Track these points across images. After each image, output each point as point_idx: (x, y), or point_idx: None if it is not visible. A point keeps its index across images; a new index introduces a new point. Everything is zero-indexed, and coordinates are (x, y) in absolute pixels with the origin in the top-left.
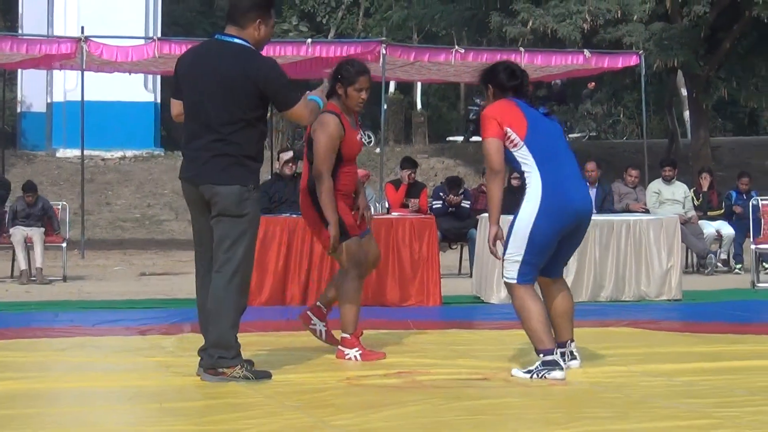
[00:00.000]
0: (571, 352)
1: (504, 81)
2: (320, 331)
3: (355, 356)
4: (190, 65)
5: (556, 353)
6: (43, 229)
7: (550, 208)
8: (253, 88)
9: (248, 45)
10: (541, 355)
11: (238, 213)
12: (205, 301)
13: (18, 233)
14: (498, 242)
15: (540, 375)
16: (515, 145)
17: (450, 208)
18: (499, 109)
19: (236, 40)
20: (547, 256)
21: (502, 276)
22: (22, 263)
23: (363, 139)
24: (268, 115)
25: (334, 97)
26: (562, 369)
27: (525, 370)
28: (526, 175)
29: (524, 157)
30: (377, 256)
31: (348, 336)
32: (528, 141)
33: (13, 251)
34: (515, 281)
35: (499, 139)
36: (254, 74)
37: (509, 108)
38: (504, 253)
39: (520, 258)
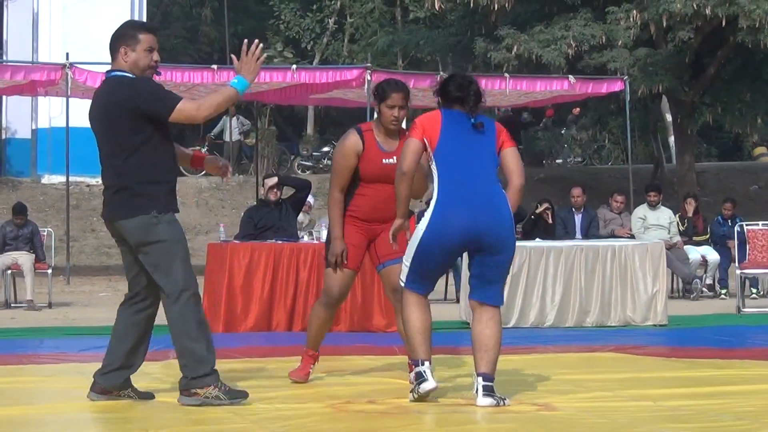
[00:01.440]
0: (478, 388)
1: (449, 92)
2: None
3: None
4: (89, 109)
5: (424, 365)
6: (33, 256)
7: (435, 224)
8: (127, 111)
9: (124, 74)
10: (414, 366)
11: (152, 241)
12: (119, 327)
13: (6, 260)
14: (400, 236)
15: (415, 391)
16: (429, 158)
17: None
18: (426, 119)
19: (113, 74)
20: (434, 271)
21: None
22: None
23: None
24: (251, 140)
25: (377, 117)
26: (428, 380)
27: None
28: (433, 187)
29: (434, 170)
30: (395, 286)
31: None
32: (436, 154)
33: None
34: (404, 284)
35: (418, 141)
36: (123, 97)
37: (433, 120)
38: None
39: (408, 264)
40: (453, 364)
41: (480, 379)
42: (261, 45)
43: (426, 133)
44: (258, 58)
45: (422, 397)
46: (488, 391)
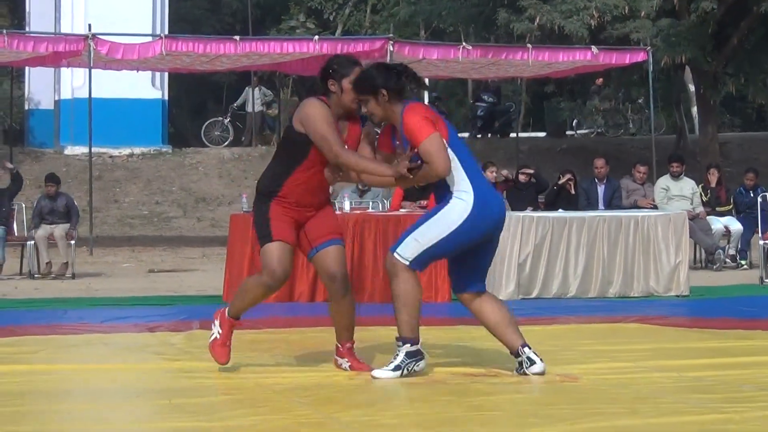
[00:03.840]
0: (528, 358)
1: (398, 83)
2: (346, 367)
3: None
4: None
5: (419, 344)
6: (67, 225)
7: (478, 212)
8: None
9: None
10: (407, 345)
11: None
12: None
13: (42, 232)
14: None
15: (410, 369)
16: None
17: None
18: (427, 111)
19: None
20: (452, 255)
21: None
22: (44, 256)
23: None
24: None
25: (330, 95)
26: (424, 358)
27: (391, 368)
28: (456, 182)
29: (454, 158)
30: (330, 272)
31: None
32: (451, 142)
33: (22, 249)
34: (408, 263)
35: (441, 136)
36: None
37: (428, 109)
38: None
39: (427, 247)
40: (473, 336)
41: (527, 349)
42: None
43: (437, 124)
44: None
45: (413, 373)
46: (537, 354)
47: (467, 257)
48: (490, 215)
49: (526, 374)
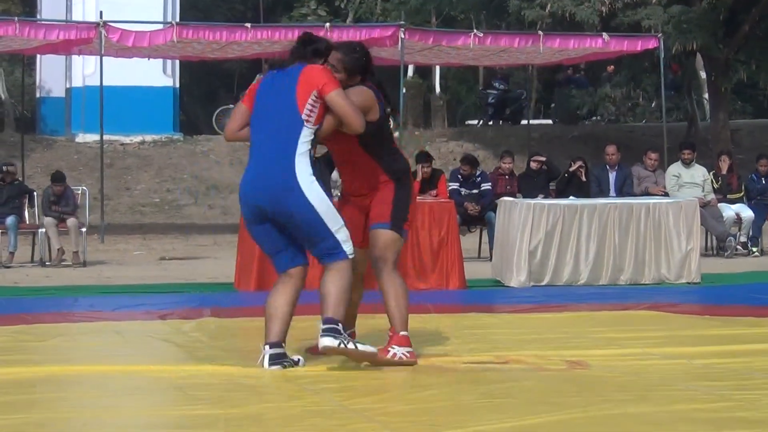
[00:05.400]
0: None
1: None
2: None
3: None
4: None
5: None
6: (75, 220)
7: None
8: None
9: None
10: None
11: None
12: None
13: (50, 220)
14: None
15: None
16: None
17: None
18: (252, 84)
19: None
20: (260, 242)
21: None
22: (56, 243)
23: None
24: None
25: None
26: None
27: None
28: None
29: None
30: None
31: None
32: (251, 121)
33: (34, 237)
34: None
35: (244, 105)
36: None
37: (253, 86)
38: None
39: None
40: (485, 323)
41: (267, 347)
42: None
43: (248, 97)
44: None
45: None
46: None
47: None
48: (242, 196)
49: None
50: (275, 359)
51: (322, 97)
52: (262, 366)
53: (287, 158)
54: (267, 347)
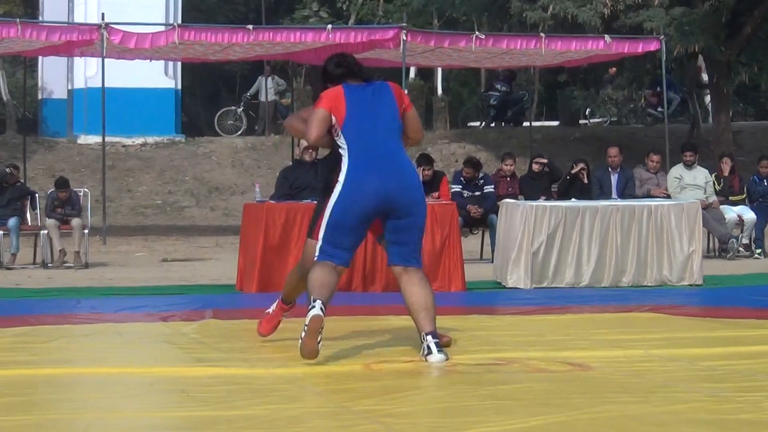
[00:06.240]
0: (428, 346)
1: (331, 71)
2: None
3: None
4: None
5: (316, 302)
6: (80, 221)
7: (348, 192)
8: None
9: None
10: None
11: None
12: None
13: (52, 222)
14: None
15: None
16: (336, 132)
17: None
18: (330, 93)
19: None
20: (349, 237)
21: None
22: (58, 245)
23: None
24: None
25: None
26: (316, 309)
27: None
28: (343, 160)
29: (341, 143)
30: None
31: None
32: (345, 127)
33: (36, 239)
34: (316, 257)
35: (327, 112)
36: None
37: (335, 94)
38: None
39: (321, 237)
40: (487, 325)
41: (429, 337)
42: None
43: (332, 109)
44: None
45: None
46: (440, 347)
47: (389, 233)
48: (361, 192)
49: (425, 360)
50: (439, 346)
51: (405, 112)
52: (429, 356)
53: (408, 162)
54: (429, 336)
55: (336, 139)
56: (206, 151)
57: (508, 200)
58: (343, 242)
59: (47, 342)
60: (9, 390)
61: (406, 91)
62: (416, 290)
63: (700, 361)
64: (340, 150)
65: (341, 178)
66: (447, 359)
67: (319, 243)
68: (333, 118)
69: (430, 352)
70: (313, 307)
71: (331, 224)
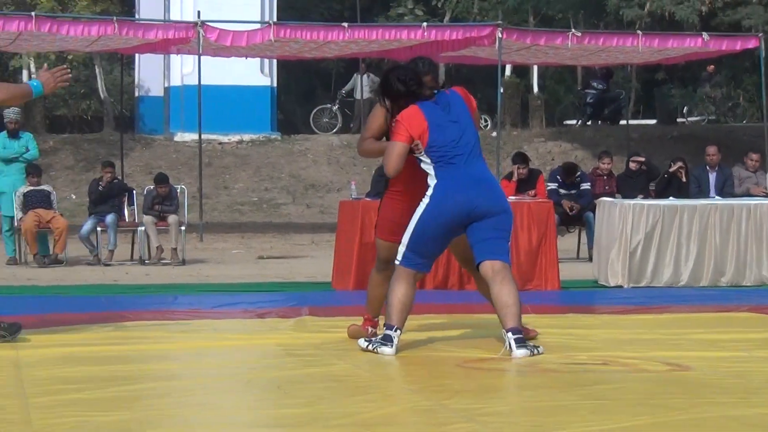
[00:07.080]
0: (509, 343)
1: (399, 91)
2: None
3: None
4: None
5: (395, 332)
6: (177, 217)
7: (434, 207)
8: None
9: None
10: (384, 329)
11: None
12: None
13: (149, 219)
14: None
15: (374, 347)
16: (419, 150)
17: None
18: (407, 117)
19: None
20: (432, 247)
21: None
22: (155, 241)
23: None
24: None
25: None
26: (391, 347)
27: (365, 340)
28: (429, 178)
29: (426, 162)
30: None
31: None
32: (429, 148)
33: (133, 235)
34: (398, 262)
35: (406, 144)
36: None
37: (416, 122)
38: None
39: (405, 242)
40: (584, 324)
41: (510, 334)
42: (68, 71)
43: (414, 132)
44: (60, 80)
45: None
46: (521, 343)
47: (473, 235)
48: (447, 207)
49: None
50: (521, 342)
51: (474, 111)
52: (510, 351)
53: (489, 174)
54: (509, 333)
55: (418, 155)
56: (302, 149)
57: (605, 198)
58: (426, 251)
59: (145, 338)
60: (110, 385)
61: (501, 90)
62: (498, 288)
63: None
64: (422, 165)
65: (429, 191)
66: (530, 355)
67: (403, 249)
68: (416, 140)
69: (511, 348)
70: (390, 340)
71: (416, 235)
